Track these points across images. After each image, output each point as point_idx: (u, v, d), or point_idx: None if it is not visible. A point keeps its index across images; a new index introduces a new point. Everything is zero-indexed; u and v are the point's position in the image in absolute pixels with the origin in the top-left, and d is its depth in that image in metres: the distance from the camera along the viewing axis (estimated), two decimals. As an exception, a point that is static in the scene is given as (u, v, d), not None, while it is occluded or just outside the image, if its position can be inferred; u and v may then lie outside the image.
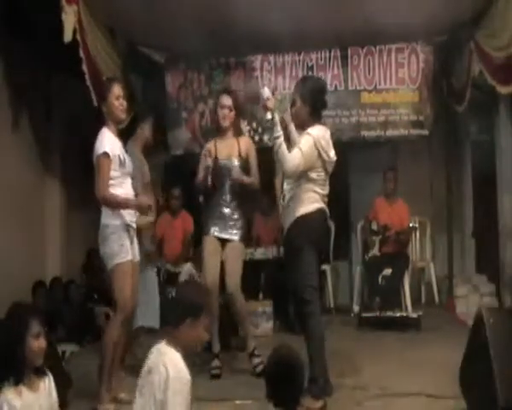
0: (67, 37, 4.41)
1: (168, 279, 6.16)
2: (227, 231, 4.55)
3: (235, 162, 4.53)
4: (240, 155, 4.56)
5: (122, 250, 3.81)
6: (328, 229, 4.11)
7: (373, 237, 6.42)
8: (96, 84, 4.86)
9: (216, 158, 4.55)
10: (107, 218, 3.83)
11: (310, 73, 6.42)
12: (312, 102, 3.91)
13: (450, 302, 6.70)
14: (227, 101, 4.54)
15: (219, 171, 4.52)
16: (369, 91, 6.40)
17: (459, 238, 7.29)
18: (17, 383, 2.59)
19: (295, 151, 3.75)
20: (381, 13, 5.49)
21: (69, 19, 4.42)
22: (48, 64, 6.00)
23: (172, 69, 6.59)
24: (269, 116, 3.78)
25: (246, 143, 4.65)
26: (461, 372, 3.53)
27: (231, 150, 4.56)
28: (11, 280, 5.29)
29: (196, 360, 4.79)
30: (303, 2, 5.29)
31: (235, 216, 4.58)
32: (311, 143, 3.78)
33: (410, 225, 6.33)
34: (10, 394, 2.56)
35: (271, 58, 6.47)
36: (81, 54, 4.70)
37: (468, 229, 7.37)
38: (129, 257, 3.85)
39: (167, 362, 2.50)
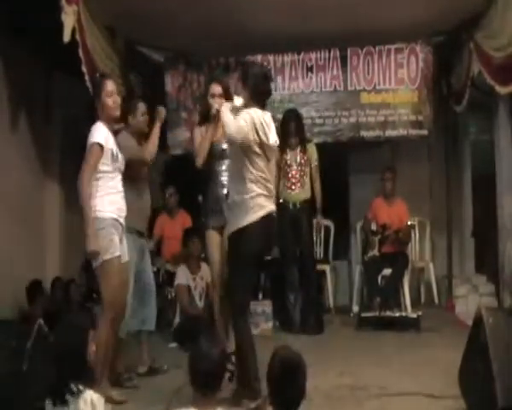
0: (67, 37, 4.40)
1: (168, 280, 6.16)
2: (224, 217, 4.31)
3: (225, 145, 4.43)
4: None
5: (111, 246, 3.68)
6: (273, 234, 3.99)
7: (372, 237, 6.42)
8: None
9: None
10: (94, 211, 3.68)
11: (308, 74, 6.45)
12: (252, 87, 3.84)
13: (450, 302, 6.70)
14: (216, 89, 4.51)
15: (212, 154, 4.47)
16: (369, 92, 6.41)
17: (458, 238, 7.28)
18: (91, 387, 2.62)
19: (238, 118, 3.73)
20: (381, 13, 5.50)
21: (69, 19, 4.40)
22: (48, 64, 6.00)
23: (172, 69, 6.59)
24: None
25: None
26: (460, 372, 3.54)
27: (222, 134, 4.43)
28: (11, 280, 5.29)
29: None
30: (302, 3, 5.29)
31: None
32: (250, 120, 3.72)
33: (409, 223, 6.33)
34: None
35: (271, 58, 6.47)
36: (80, 54, 4.70)
37: (468, 229, 7.36)
38: (117, 253, 3.72)
39: None
